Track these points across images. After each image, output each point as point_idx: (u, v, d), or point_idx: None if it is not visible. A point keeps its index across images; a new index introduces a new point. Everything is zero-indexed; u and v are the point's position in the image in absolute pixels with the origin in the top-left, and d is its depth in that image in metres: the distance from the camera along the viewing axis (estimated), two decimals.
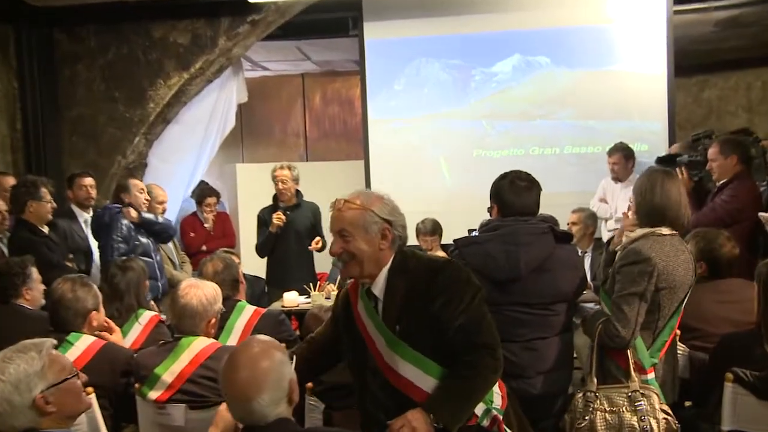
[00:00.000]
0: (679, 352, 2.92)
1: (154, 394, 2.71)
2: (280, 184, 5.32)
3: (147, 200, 4.95)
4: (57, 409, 1.93)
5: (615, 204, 5.59)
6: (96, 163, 5.94)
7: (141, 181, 5.75)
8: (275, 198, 5.42)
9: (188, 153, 6.35)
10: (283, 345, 1.95)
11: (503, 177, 2.95)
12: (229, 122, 6.63)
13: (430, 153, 6.63)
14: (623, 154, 5.69)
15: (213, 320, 2.81)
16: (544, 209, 3.01)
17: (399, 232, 2.25)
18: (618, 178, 5.69)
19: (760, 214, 4.06)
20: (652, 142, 6.23)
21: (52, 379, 1.93)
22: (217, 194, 6.39)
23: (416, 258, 2.25)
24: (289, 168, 5.35)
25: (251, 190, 6.72)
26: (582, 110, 6.40)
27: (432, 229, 5.46)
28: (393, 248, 2.24)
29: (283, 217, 5.23)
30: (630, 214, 2.92)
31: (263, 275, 5.57)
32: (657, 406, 2.53)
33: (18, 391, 1.87)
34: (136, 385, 2.79)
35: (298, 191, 5.41)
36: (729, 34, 6.56)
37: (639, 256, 2.62)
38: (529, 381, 2.77)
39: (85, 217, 5.02)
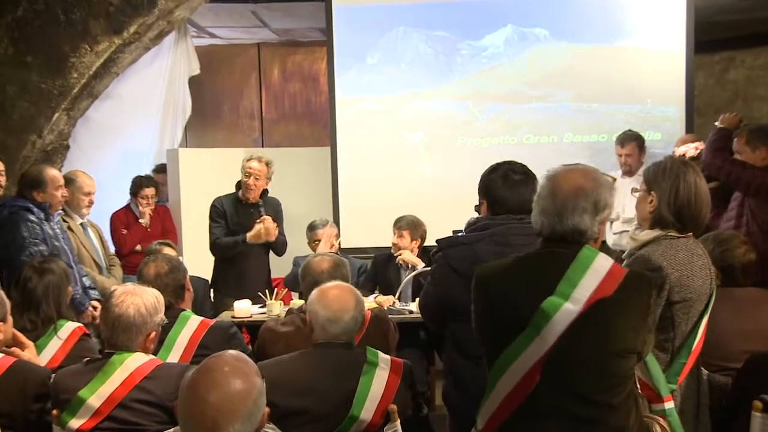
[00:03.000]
0: None
1: (76, 423, 2.66)
2: (252, 179, 5.32)
3: (64, 197, 4.86)
4: None
5: (623, 202, 5.62)
6: (3, 143, 5.82)
7: (61, 166, 5.65)
8: (239, 187, 5.42)
9: (122, 134, 6.26)
10: (248, 360, 1.92)
11: (494, 169, 2.97)
12: (187, 102, 6.54)
13: (407, 139, 6.64)
14: (638, 144, 5.74)
15: (153, 334, 2.79)
16: None
17: None
18: (630, 172, 5.73)
19: None
20: (666, 130, 6.31)
21: None
22: (155, 184, 6.33)
23: None
24: (267, 164, 5.38)
25: (196, 179, 6.67)
26: (585, 92, 6.45)
27: (399, 224, 5.40)
28: None
29: (274, 230, 5.28)
30: (635, 212, 2.93)
31: (206, 276, 5.55)
32: None
33: None
34: (54, 412, 2.74)
35: (265, 189, 5.45)
36: (760, 2, 6.60)
37: (648, 265, 2.63)
38: None
39: None
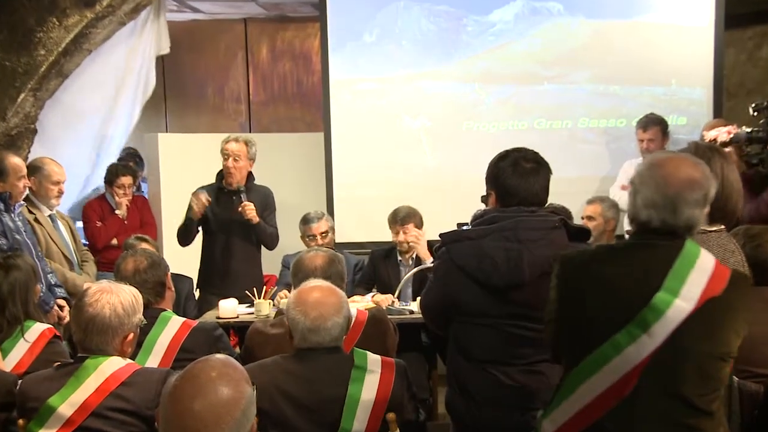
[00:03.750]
0: None
1: None
2: (231, 161, 5.31)
3: (27, 187, 4.84)
4: None
5: None
6: None
7: (28, 152, 5.61)
8: (220, 176, 5.42)
9: (94, 117, 6.22)
10: (239, 366, 1.91)
11: (503, 157, 2.97)
12: (149, 81, 6.52)
13: (408, 124, 6.62)
14: (661, 129, 5.75)
15: (130, 336, 2.79)
16: (551, 198, 3.03)
17: None
18: None
19: None
20: (692, 114, 6.28)
21: None
22: (132, 173, 6.31)
23: None
24: (246, 143, 5.37)
25: (177, 167, 6.64)
26: (603, 72, 6.42)
27: (403, 216, 5.38)
28: None
29: (206, 200, 5.24)
30: None
31: (190, 273, 5.57)
32: None
33: None
34: (20, 422, 2.74)
35: (250, 174, 5.45)
36: None
37: None
38: (533, 414, 2.78)
39: None
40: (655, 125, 5.74)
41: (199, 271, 5.57)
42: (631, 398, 2.20)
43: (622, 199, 5.70)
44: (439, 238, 3.02)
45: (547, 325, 2.45)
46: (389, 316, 3.80)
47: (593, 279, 2.29)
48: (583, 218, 5.29)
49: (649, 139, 5.74)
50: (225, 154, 5.33)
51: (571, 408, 2.28)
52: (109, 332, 2.72)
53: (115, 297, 2.74)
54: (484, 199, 3.15)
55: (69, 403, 2.64)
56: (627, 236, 5.27)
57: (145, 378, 2.70)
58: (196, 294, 5.74)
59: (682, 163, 2.30)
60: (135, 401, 2.64)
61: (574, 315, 2.32)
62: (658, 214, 2.26)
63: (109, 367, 2.70)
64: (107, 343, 2.73)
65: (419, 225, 5.37)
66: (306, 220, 5.53)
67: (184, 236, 5.40)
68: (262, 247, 5.53)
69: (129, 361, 2.79)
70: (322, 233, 5.48)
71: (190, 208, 5.32)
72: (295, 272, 3.51)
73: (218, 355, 1.92)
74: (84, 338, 2.74)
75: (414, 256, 5.33)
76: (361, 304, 4.53)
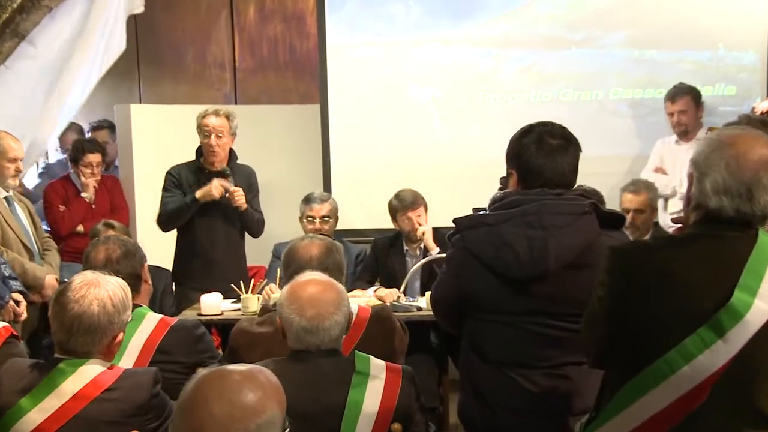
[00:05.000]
0: None
1: None
2: (212, 138, 5.31)
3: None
4: None
5: (680, 175, 5.60)
6: None
7: None
8: (200, 153, 5.43)
9: (49, 86, 6.20)
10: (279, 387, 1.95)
11: (527, 132, 2.97)
12: (115, 43, 6.50)
13: (416, 96, 6.63)
14: (692, 98, 5.75)
15: (120, 336, 2.79)
16: (580, 180, 3.04)
17: None
18: (685, 134, 5.74)
19: None
20: (742, 83, 6.26)
21: None
22: (101, 150, 6.32)
23: None
24: (227, 116, 5.36)
25: (152, 143, 6.64)
26: (638, 35, 6.41)
27: (413, 200, 5.42)
28: None
29: (229, 186, 5.26)
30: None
31: (166, 265, 5.57)
32: None
33: None
34: None
35: (232, 151, 5.45)
36: None
37: None
38: (559, 424, 2.80)
39: None
40: (684, 94, 5.74)
41: (175, 262, 5.57)
42: (693, 413, 2.17)
43: (658, 183, 5.70)
44: (453, 224, 3.02)
45: (589, 326, 2.42)
46: (394, 314, 3.80)
47: (657, 274, 2.24)
48: (630, 213, 5.13)
49: (679, 111, 5.74)
50: (205, 131, 5.32)
51: (624, 425, 2.25)
52: (98, 332, 2.70)
53: (104, 291, 2.73)
54: (504, 181, 3.16)
55: (40, 409, 2.64)
56: (667, 225, 5.32)
57: (133, 382, 2.71)
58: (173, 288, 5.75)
59: (755, 141, 2.26)
60: (123, 408, 2.65)
61: (633, 316, 2.27)
62: (731, 201, 2.22)
63: (90, 371, 2.69)
64: (94, 345, 2.72)
65: (426, 208, 5.40)
66: (308, 200, 5.55)
67: (176, 219, 5.38)
68: (246, 234, 5.56)
69: (109, 365, 2.77)
70: (323, 217, 5.49)
71: (169, 178, 5.35)
72: (287, 263, 3.51)
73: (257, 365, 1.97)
74: (68, 339, 2.72)
75: (422, 245, 5.34)
76: (362, 299, 4.53)
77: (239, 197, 5.25)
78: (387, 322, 3.51)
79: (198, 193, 5.25)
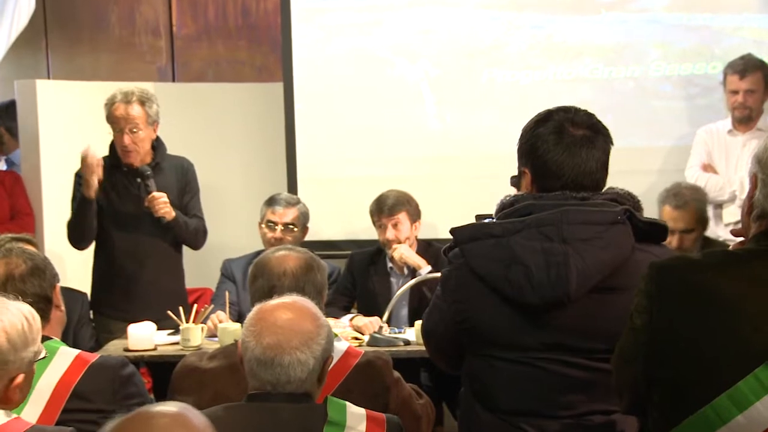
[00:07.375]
0: None
1: None
2: (126, 137, 5.29)
3: None
4: None
5: (737, 174, 5.63)
6: None
7: None
8: (113, 149, 5.42)
9: None
10: None
11: (543, 119, 2.98)
12: (28, 3, 6.53)
13: (403, 72, 6.66)
14: (764, 75, 5.75)
15: (19, 378, 2.75)
16: (610, 180, 3.04)
17: None
18: (747, 121, 5.77)
19: None
20: None
21: None
22: None
23: None
24: (142, 101, 5.35)
25: (64, 129, 6.64)
26: None
27: (392, 204, 5.43)
28: None
29: (99, 162, 5.22)
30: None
31: (85, 289, 5.56)
32: None
33: None
34: None
35: (158, 141, 5.43)
36: None
37: None
38: None
39: None
40: (756, 70, 5.73)
41: (93, 284, 5.57)
42: None
43: (709, 184, 5.67)
44: (450, 235, 3.02)
45: (621, 363, 2.45)
46: (374, 348, 3.81)
47: (706, 299, 2.26)
48: (673, 232, 4.86)
49: (747, 90, 5.73)
50: (115, 126, 5.30)
51: None
52: None
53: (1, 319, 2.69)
54: (515, 181, 3.15)
55: None
56: (725, 239, 5.36)
57: None
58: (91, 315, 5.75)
59: None
60: None
61: (676, 351, 2.29)
62: None
63: None
64: None
65: (414, 217, 5.41)
66: (271, 201, 5.57)
67: (79, 232, 5.39)
68: (184, 247, 5.57)
69: (13, 415, 2.74)
70: (287, 225, 5.51)
71: (78, 181, 5.33)
72: (256, 275, 3.49)
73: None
74: None
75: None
76: (336, 330, 4.55)
77: (160, 205, 5.22)
78: (378, 378, 3.43)
79: (84, 190, 5.21)
